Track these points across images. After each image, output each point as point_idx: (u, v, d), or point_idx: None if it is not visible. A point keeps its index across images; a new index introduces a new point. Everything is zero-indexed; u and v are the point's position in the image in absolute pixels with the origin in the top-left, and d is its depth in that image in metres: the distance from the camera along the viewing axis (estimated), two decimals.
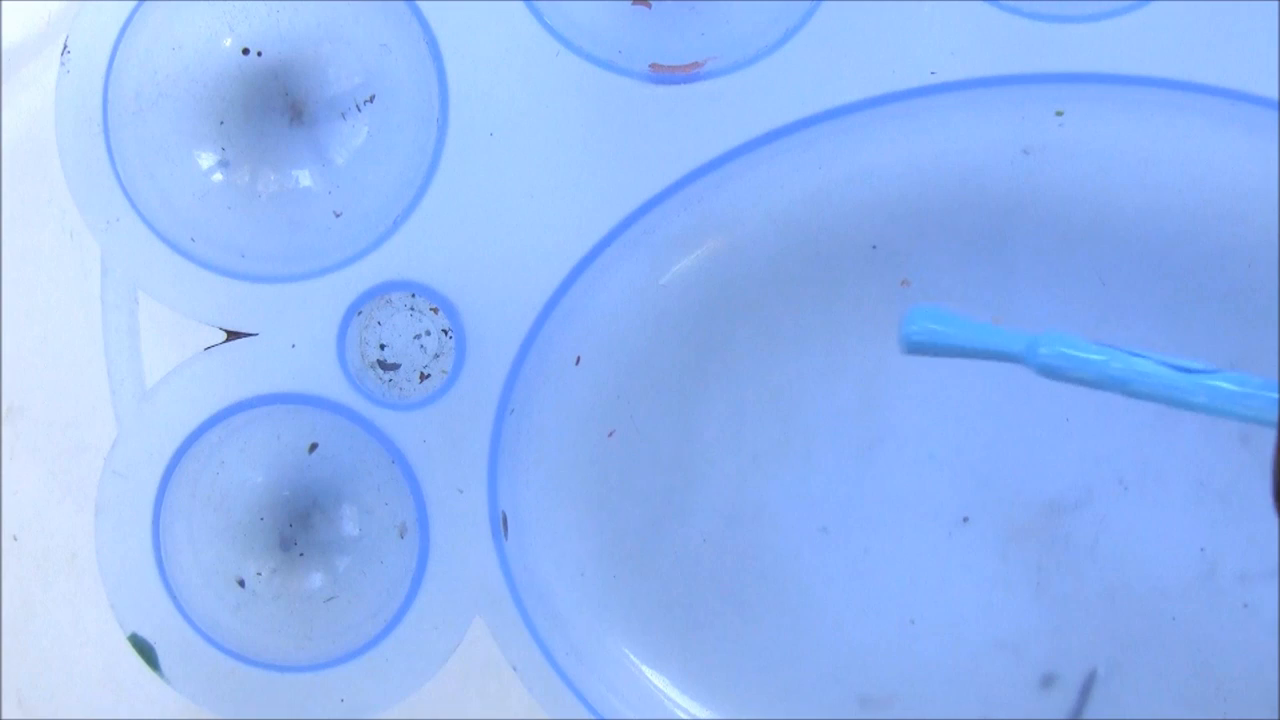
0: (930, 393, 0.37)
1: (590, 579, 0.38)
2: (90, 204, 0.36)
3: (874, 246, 0.37)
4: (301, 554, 0.36)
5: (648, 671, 0.38)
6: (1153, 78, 0.35)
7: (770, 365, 0.37)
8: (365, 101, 0.36)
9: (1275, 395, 0.27)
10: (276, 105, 0.35)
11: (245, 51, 0.35)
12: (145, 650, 0.36)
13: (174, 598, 0.36)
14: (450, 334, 0.36)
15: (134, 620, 0.36)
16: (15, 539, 0.38)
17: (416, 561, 0.36)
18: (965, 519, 0.37)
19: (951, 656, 0.38)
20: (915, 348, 0.33)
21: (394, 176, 0.36)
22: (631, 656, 0.38)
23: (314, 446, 0.36)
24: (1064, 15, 0.35)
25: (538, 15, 0.35)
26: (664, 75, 0.35)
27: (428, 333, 0.36)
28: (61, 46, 0.35)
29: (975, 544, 0.37)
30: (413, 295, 0.36)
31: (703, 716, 0.38)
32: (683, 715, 0.38)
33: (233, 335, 0.36)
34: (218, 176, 0.36)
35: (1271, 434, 0.37)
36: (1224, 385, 0.27)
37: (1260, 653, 0.37)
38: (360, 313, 0.36)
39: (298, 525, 0.36)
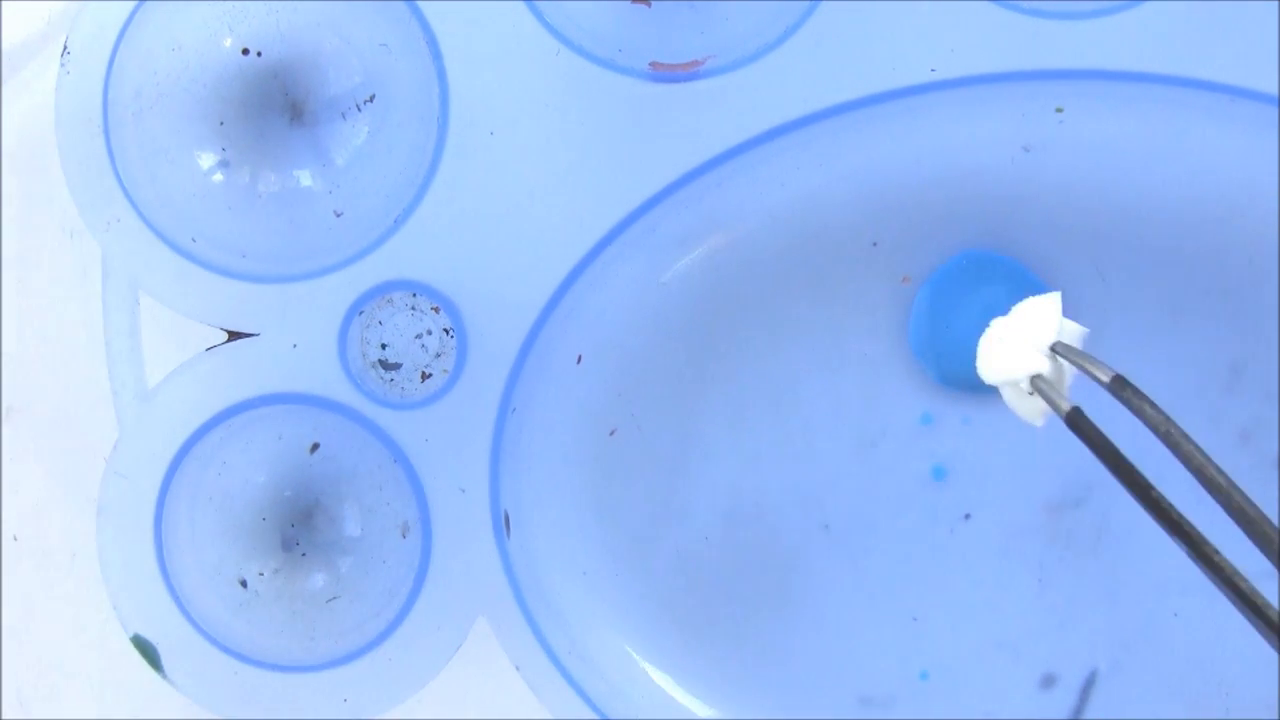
0: (931, 389, 0.37)
1: (592, 577, 0.38)
2: (91, 204, 0.36)
3: (875, 244, 0.37)
4: (304, 554, 0.36)
5: (650, 670, 0.38)
6: (1152, 74, 0.35)
7: (771, 363, 0.37)
8: (365, 101, 0.35)
9: None
10: (276, 105, 0.35)
11: (245, 52, 0.35)
12: (148, 651, 0.36)
13: (176, 598, 0.36)
14: (451, 333, 0.36)
15: (136, 621, 0.36)
16: (15, 539, 0.38)
17: (419, 561, 0.36)
18: (967, 516, 0.37)
19: (952, 656, 0.38)
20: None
21: (394, 176, 0.36)
22: (634, 655, 0.38)
23: (316, 446, 0.36)
24: (1064, 12, 0.35)
25: (538, 14, 0.35)
26: (664, 74, 0.35)
27: (429, 332, 0.36)
28: (61, 47, 0.35)
29: (976, 541, 0.37)
30: (414, 295, 0.36)
31: (705, 715, 0.38)
32: (685, 714, 0.38)
33: (234, 335, 0.36)
34: (218, 177, 0.36)
35: (1273, 432, 0.37)
36: None
37: (1261, 652, 0.37)
38: (361, 312, 0.36)
39: (300, 525, 0.36)
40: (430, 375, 0.36)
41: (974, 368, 0.37)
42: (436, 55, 0.35)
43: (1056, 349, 0.33)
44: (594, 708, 0.37)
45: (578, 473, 0.38)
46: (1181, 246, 0.36)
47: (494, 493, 0.36)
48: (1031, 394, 0.33)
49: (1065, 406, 0.32)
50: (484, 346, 0.36)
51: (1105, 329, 0.37)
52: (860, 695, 0.38)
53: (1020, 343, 0.33)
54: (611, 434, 0.38)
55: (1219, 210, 0.36)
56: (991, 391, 0.37)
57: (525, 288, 0.36)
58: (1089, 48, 0.35)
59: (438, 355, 0.36)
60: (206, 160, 0.36)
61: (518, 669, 0.37)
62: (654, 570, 0.38)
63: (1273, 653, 0.37)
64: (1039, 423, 0.34)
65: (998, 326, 0.34)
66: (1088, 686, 0.37)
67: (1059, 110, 0.36)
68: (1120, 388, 0.30)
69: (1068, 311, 0.37)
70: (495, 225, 0.35)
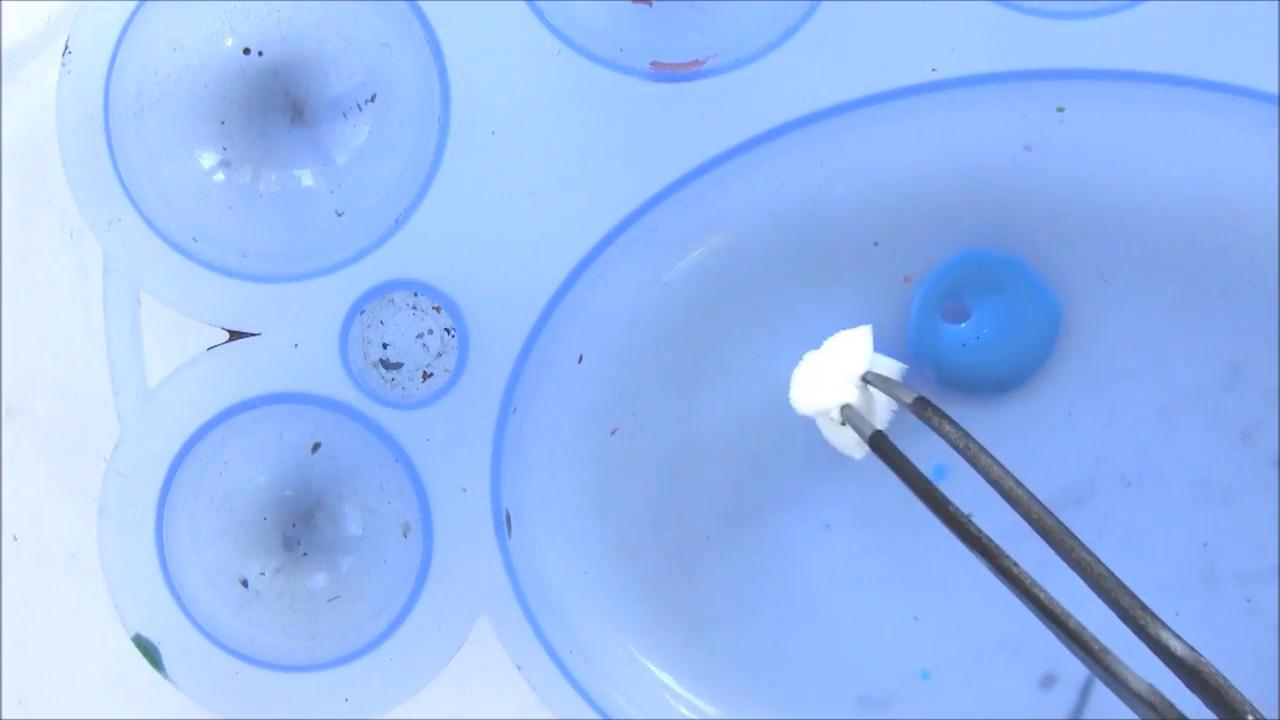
0: (931, 390, 0.37)
1: (593, 577, 0.38)
2: (92, 204, 0.36)
3: (875, 243, 0.37)
4: (305, 553, 0.36)
5: (651, 669, 0.38)
6: (1153, 73, 0.35)
7: (771, 363, 0.37)
8: (366, 101, 0.35)
9: None
10: (278, 105, 0.35)
11: (246, 51, 0.35)
12: (149, 651, 0.36)
13: (177, 598, 0.36)
14: (453, 333, 0.36)
15: (138, 621, 0.36)
16: (15, 539, 0.38)
17: (420, 560, 0.36)
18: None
19: (952, 656, 0.38)
20: None
21: (396, 175, 0.36)
22: (635, 654, 0.38)
23: (317, 446, 0.36)
24: (1064, 12, 0.35)
25: (539, 14, 0.35)
26: (665, 73, 0.35)
27: (430, 331, 0.36)
28: (62, 47, 0.35)
29: None
30: (415, 294, 0.36)
31: (706, 714, 0.38)
32: (686, 713, 0.38)
33: (235, 335, 0.36)
34: (219, 176, 0.36)
35: (1273, 432, 0.37)
36: None
37: (1260, 651, 0.37)
38: (363, 312, 0.36)
39: (301, 525, 0.36)
40: (431, 375, 0.36)
41: (975, 368, 0.37)
42: (438, 54, 0.35)
43: (866, 378, 0.34)
44: (595, 707, 0.37)
45: (579, 472, 0.38)
46: (1181, 246, 0.36)
47: (495, 492, 0.36)
48: (844, 424, 0.34)
49: (869, 430, 0.32)
50: (485, 346, 0.36)
51: (1105, 329, 0.37)
52: (860, 695, 0.38)
53: (831, 374, 0.34)
54: (612, 434, 0.38)
55: (1219, 209, 0.36)
56: (991, 392, 0.37)
57: (527, 287, 0.36)
58: (1089, 48, 0.35)
59: (439, 355, 0.36)
60: (208, 160, 0.36)
61: (519, 668, 0.37)
62: (655, 569, 0.38)
63: (1273, 652, 0.37)
64: (857, 455, 0.35)
65: (810, 359, 0.35)
66: (1088, 686, 0.37)
67: (1060, 110, 0.36)
68: (922, 408, 0.32)
69: (1068, 311, 0.37)
70: (497, 224, 0.35)
